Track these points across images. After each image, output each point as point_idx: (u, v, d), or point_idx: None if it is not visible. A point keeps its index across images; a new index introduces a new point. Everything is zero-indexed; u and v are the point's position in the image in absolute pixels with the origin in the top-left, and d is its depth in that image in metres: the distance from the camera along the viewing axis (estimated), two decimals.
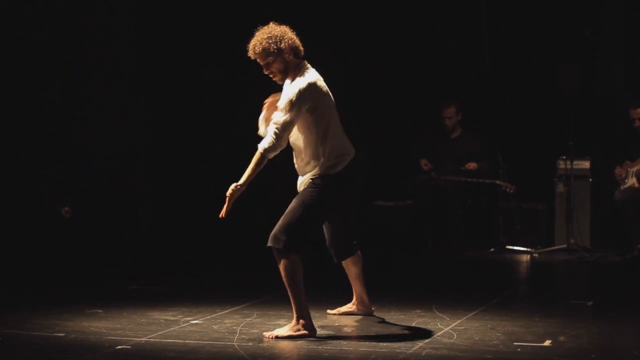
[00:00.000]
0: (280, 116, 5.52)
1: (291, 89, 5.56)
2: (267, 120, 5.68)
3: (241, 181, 5.50)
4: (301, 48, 5.65)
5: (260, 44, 5.54)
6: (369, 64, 10.86)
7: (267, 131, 5.58)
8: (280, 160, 5.73)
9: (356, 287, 6.22)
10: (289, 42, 5.58)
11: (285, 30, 5.61)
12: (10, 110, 8.78)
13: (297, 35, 5.69)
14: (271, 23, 5.64)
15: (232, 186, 5.49)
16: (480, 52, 11.10)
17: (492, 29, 11.06)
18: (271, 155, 5.54)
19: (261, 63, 5.62)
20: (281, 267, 5.53)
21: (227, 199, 5.48)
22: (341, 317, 6.23)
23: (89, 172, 9.43)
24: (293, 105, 5.51)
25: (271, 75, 5.67)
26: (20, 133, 8.84)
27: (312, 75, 5.63)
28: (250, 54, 5.61)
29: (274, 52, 5.55)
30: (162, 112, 10.05)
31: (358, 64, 10.70)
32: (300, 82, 5.56)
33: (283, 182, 6.45)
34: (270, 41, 5.53)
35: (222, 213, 5.49)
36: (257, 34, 5.59)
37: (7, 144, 8.76)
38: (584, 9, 10.79)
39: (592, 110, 10.49)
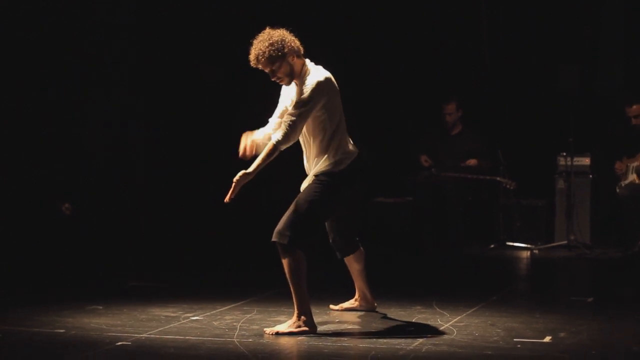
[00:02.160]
0: (296, 108, 5.53)
1: (309, 81, 5.54)
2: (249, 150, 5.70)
3: (250, 169, 5.51)
4: (302, 48, 5.65)
5: (264, 53, 5.52)
6: (369, 64, 10.86)
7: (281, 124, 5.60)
8: (282, 158, 5.73)
9: (359, 284, 6.23)
10: (290, 44, 5.56)
11: (283, 34, 5.59)
12: (10, 110, 8.78)
13: (297, 35, 5.68)
14: (267, 29, 5.60)
15: (241, 173, 5.49)
16: (480, 52, 11.10)
17: (492, 29, 11.05)
18: (283, 147, 5.55)
19: (266, 71, 5.61)
20: (285, 262, 5.53)
21: (234, 184, 5.48)
22: (342, 313, 6.24)
23: (89, 172, 9.42)
24: (311, 98, 5.51)
25: (278, 81, 5.67)
26: (20, 133, 8.84)
27: (326, 71, 5.64)
28: (254, 64, 5.58)
29: (278, 58, 5.54)
30: (162, 112, 10.05)
31: (358, 64, 10.70)
32: (318, 76, 5.56)
33: (286, 179, 6.46)
34: (272, 48, 5.51)
35: (227, 198, 5.50)
36: (255, 43, 5.56)
37: (7, 144, 8.77)
38: (584, 9, 10.79)
39: (592, 110, 10.50)
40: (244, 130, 5.82)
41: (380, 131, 10.72)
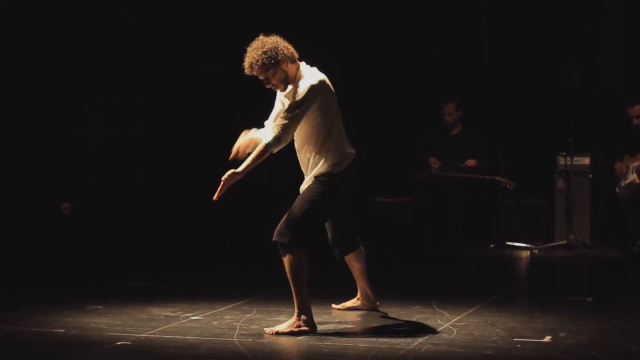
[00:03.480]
0: (289, 111, 5.53)
1: (303, 85, 5.55)
2: (242, 148, 5.72)
3: (240, 169, 5.51)
4: (296, 54, 5.65)
5: (257, 61, 5.52)
6: (369, 64, 10.86)
7: (272, 127, 5.59)
8: (283, 159, 5.73)
9: (360, 283, 6.24)
10: (284, 51, 5.56)
11: (277, 41, 5.58)
12: (10, 110, 8.79)
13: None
14: (260, 36, 5.61)
15: (229, 172, 5.49)
16: (480, 52, 11.10)
17: (492, 29, 11.05)
18: (274, 150, 5.55)
19: (261, 78, 5.61)
20: (286, 262, 5.53)
21: (222, 183, 5.48)
22: (342, 312, 6.24)
23: (89, 172, 9.43)
24: (304, 101, 5.51)
25: (273, 88, 5.67)
26: (20, 133, 8.85)
27: (320, 73, 5.64)
28: (248, 72, 5.59)
29: (272, 65, 5.53)
30: (162, 112, 10.05)
31: (358, 64, 10.70)
32: (312, 79, 5.56)
33: (286, 179, 6.46)
34: (266, 56, 5.51)
35: (215, 196, 5.50)
36: (249, 51, 5.56)
37: (7, 144, 8.77)
38: (584, 9, 10.79)
39: (592, 110, 10.50)
40: (243, 130, 5.81)
41: (380, 131, 10.72)
